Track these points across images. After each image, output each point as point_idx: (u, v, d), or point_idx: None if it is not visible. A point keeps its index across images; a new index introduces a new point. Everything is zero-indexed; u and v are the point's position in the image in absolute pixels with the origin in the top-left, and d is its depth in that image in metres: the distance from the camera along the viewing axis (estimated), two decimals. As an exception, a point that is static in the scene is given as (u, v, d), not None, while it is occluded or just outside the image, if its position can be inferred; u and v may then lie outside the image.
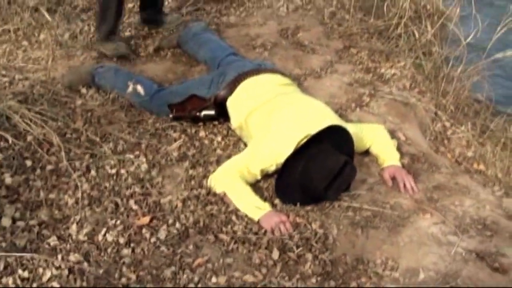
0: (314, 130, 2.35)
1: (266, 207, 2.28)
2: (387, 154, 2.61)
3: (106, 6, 3.36)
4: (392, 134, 2.77)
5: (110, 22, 3.41)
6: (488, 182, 2.77)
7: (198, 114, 2.77)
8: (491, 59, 3.50)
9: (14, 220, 2.17)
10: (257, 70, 2.80)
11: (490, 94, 3.65)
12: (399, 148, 2.68)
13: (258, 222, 2.24)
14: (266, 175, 2.46)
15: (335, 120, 2.50)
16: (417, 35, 3.86)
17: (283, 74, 2.90)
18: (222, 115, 2.78)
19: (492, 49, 3.52)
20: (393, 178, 2.51)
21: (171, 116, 2.82)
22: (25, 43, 3.61)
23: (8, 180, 2.33)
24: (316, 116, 2.48)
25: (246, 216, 2.28)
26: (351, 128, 2.51)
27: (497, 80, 3.77)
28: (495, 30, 3.51)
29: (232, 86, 2.73)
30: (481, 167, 2.93)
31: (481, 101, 3.65)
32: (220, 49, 3.23)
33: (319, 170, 2.31)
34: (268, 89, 2.69)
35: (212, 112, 2.76)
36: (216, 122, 2.84)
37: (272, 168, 2.42)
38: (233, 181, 2.36)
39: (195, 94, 2.77)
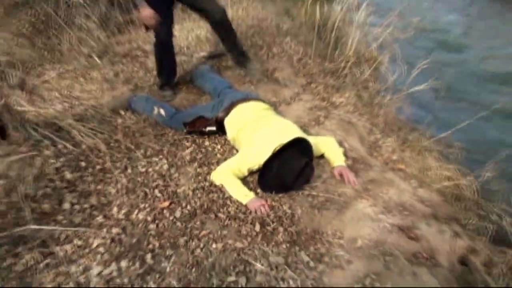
0: (285, 140, 2.36)
1: (251, 194, 2.29)
2: (336, 157, 2.62)
3: (161, 66, 3.30)
4: (340, 143, 2.77)
5: (164, 78, 3.33)
6: (407, 177, 2.77)
7: (204, 129, 2.77)
8: (409, 92, 3.52)
9: (72, 204, 2.17)
10: (246, 98, 2.81)
11: (408, 116, 3.67)
12: (345, 153, 2.68)
13: (245, 205, 2.24)
14: (251, 173, 2.46)
15: (300, 134, 2.51)
16: (358, 74, 3.88)
17: (264, 101, 2.90)
18: (221, 130, 2.77)
19: (411, 84, 3.54)
20: (341, 175, 2.52)
21: (185, 131, 2.81)
22: (81, 79, 3.60)
23: (68, 176, 2.33)
24: (286, 131, 2.48)
25: (237, 201, 2.28)
26: (311, 139, 2.52)
27: (413, 106, 3.79)
28: (412, 70, 3.55)
29: (228, 109, 2.73)
30: (402, 166, 2.91)
31: (402, 121, 3.66)
32: (220, 84, 3.22)
33: (288, 169, 2.31)
34: (253, 112, 2.69)
35: (214, 128, 2.76)
36: (217, 135, 2.83)
37: (256, 167, 2.42)
38: (228, 176, 2.37)
39: (202, 115, 2.77)
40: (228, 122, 2.71)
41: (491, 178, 2.93)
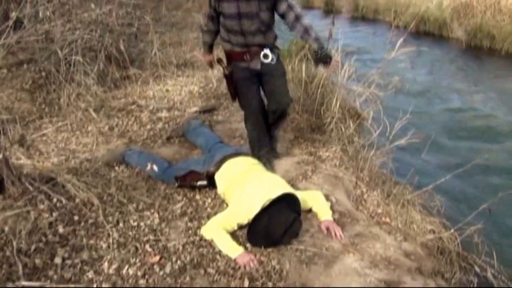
0: (273, 195, 2.38)
1: (240, 249, 2.27)
2: (323, 211, 2.62)
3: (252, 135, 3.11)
4: (327, 197, 2.79)
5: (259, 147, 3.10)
6: (392, 231, 2.77)
7: (195, 183, 2.78)
8: (392, 146, 3.57)
9: (63, 259, 2.14)
10: (236, 153, 2.85)
11: (392, 169, 3.71)
12: (331, 207, 2.69)
13: (235, 260, 2.22)
14: (241, 227, 2.45)
15: (287, 189, 2.53)
16: (343, 129, 3.93)
17: (253, 156, 2.94)
18: (212, 184, 2.78)
19: (393, 139, 3.60)
20: (327, 229, 2.52)
21: (176, 185, 2.82)
22: (78, 132, 3.63)
23: (60, 230, 2.31)
24: (275, 186, 2.51)
25: (227, 255, 2.26)
26: (298, 194, 2.55)
27: (396, 160, 3.84)
28: (395, 124, 3.62)
29: (219, 164, 2.75)
30: (387, 220, 2.91)
31: (386, 174, 3.69)
32: (211, 139, 3.25)
33: (277, 224, 2.31)
34: (243, 167, 2.72)
35: (205, 183, 2.77)
36: (207, 189, 2.83)
37: (245, 222, 2.41)
38: (217, 231, 2.36)
39: (193, 170, 2.79)
40: (218, 177, 2.73)
41: (473, 231, 2.94)
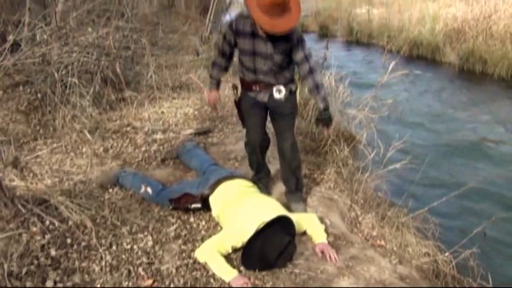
0: (268, 218, 2.38)
1: (234, 272, 2.26)
2: (318, 234, 2.62)
3: (250, 160, 3.10)
4: (321, 220, 2.78)
5: (254, 170, 3.13)
6: (387, 254, 2.78)
7: (189, 206, 2.78)
8: (386, 170, 3.60)
9: (55, 282, 2.12)
10: (230, 176, 2.85)
11: (386, 192, 3.73)
12: (326, 230, 2.68)
13: (229, 283, 2.21)
14: (235, 250, 2.44)
15: (282, 212, 2.53)
16: (337, 152, 3.97)
17: (248, 179, 2.95)
18: (206, 207, 2.78)
19: (388, 161, 3.64)
20: (322, 252, 2.52)
21: (170, 207, 2.81)
22: (72, 154, 3.62)
23: (53, 253, 2.29)
24: (269, 209, 2.51)
25: (221, 278, 2.24)
26: (293, 216, 2.55)
27: (390, 183, 3.87)
28: (389, 147, 3.65)
29: (213, 187, 2.75)
30: (382, 243, 2.92)
31: (381, 197, 3.71)
32: (205, 161, 3.26)
33: (271, 247, 2.31)
34: (238, 190, 2.72)
35: (199, 205, 2.77)
36: (201, 212, 2.82)
37: (239, 245, 2.41)
38: (211, 254, 2.34)
39: (187, 192, 2.80)
40: (213, 199, 2.73)
41: (468, 254, 2.94)
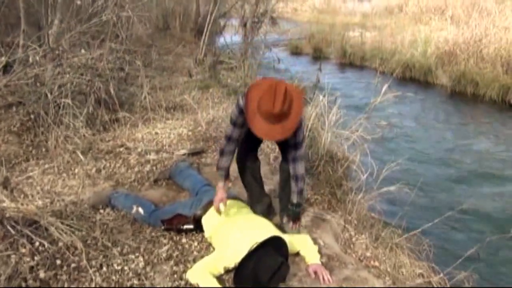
0: (261, 239, 2.37)
1: None
2: (311, 255, 2.61)
3: (248, 185, 3.07)
4: (314, 241, 2.77)
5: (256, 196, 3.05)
6: (381, 274, 2.76)
7: (181, 227, 2.77)
8: (380, 191, 3.61)
9: (43, 305, 2.09)
10: None
11: (380, 213, 3.73)
12: (319, 251, 2.67)
13: (220, 305, 2.19)
14: (227, 271, 2.42)
15: (275, 232, 2.53)
16: (331, 172, 3.97)
17: (241, 200, 2.94)
18: (199, 228, 2.76)
19: (381, 183, 3.65)
20: (315, 272, 2.50)
21: (163, 228, 2.80)
22: (64, 175, 3.61)
23: (42, 275, 2.26)
24: (262, 229, 2.50)
25: (212, 301, 2.23)
26: (286, 237, 2.53)
27: (384, 203, 3.87)
28: (382, 168, 3.68)
29: (206, 208, 2.75)
30: (376, 263, 2.90)
31: (374, 218, 3.71)
32: (198, 182, 3.26)
33: (263, 268, 2.29)
34: (230, 210, 2.72)
35: (191, 226, 2.76)
36: (194, 232, 2.81)
37: (232, 265, 2.39)
38: (203, 275, 2.33)
39: (180, 213, 2.79)
40: (205, 220, 2.72)
41: (462, 276, 2.94)
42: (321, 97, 4.57)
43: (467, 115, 8.22)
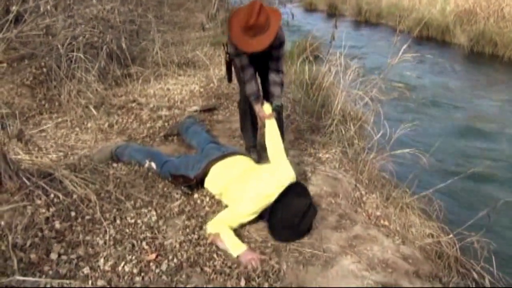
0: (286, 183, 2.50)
1: (244, 246, 2.28)
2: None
3: (244, 130, 3.31)
4: (326, 199, 2.78)
5: (249, 140, 3.32)
6: (391, 234, 2.76)
7: (182, 187, 2.78)
8: (393, 153, 3.57)
9: (59, 255, 2.13)
10: (222, 156, 2.83)
11: (392, 173, 3.70)
12: (330, 209, 2.68)
13: (237, 257, 2.22)
14: (241, 226, 2.47)
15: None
16: (343, 132, 3.93)
17: (243, 154, 2.95)
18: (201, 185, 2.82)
19: (394, 144, 3.60)
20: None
21: (170, 180, 2.84)
22: (77, 129, 3.63)
23: (57, 225, 2.30)
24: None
25: (224, 254, 2.25)
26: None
27: (395, 164, 3.83)
28: (396, 129, 3.62)
29: (205, 170, 2.76)
30: (386, 223, 2.90)
31: (386, 178, 3.69)
32: (203, 139, 3.23)
33: (294, 211, 2.40)
34: (235, 168, 2.73)
35: (189, 187, 2.78)
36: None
37: (245, 221, 2.46)
38: (222, 227, 2.36)
39: (183, 174, 2.79)
40: (208, 182, 2.76)
41: (472, 237, 2.93)
42: (337, 54, 4.46)
43: (485, 76, 7.99)
